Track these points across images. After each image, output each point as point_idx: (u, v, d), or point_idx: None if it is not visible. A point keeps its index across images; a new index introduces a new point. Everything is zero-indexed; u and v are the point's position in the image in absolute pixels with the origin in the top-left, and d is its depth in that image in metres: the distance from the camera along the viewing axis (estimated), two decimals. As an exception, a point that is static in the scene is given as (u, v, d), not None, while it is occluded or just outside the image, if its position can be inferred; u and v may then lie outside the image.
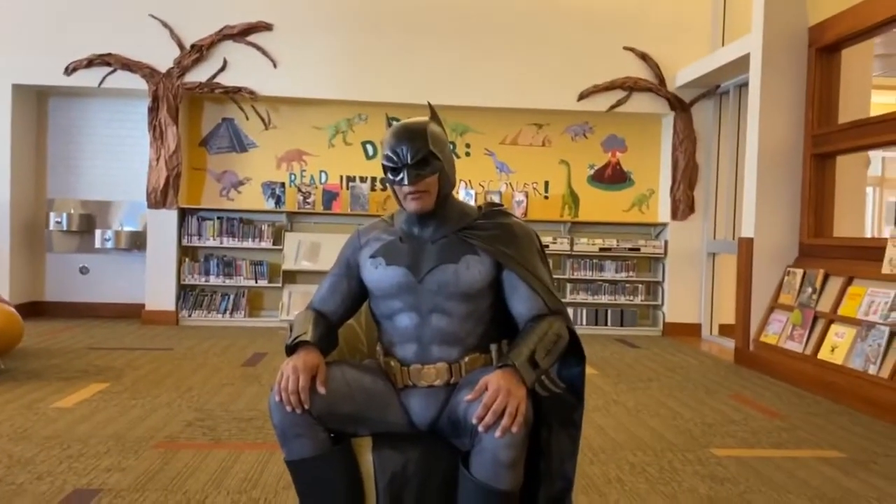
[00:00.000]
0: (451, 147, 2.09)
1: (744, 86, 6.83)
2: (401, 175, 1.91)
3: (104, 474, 2.90)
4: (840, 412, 4.35)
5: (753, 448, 3.54)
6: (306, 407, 1.80)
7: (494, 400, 1.68)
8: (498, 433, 1.66)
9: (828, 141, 5.49)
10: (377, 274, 2.00)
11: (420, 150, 1.90)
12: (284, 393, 1.79)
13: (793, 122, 5.76)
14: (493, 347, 2.00)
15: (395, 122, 2.02)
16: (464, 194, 7.49)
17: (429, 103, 2.16)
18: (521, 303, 1.94)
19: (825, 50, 5.60)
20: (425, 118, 2.00)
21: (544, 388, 1.94)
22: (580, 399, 1.95)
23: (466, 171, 7.64)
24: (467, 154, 7.69)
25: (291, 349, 1.91)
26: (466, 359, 1.96)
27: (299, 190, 7.43)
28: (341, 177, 7.64)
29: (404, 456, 1.89)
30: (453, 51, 7.26)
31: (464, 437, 1.80)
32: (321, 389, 1.82)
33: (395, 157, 1.92)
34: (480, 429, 1.68)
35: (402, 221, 2.06)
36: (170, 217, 7.19)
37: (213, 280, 7.33)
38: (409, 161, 1.90)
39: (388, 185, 1.99)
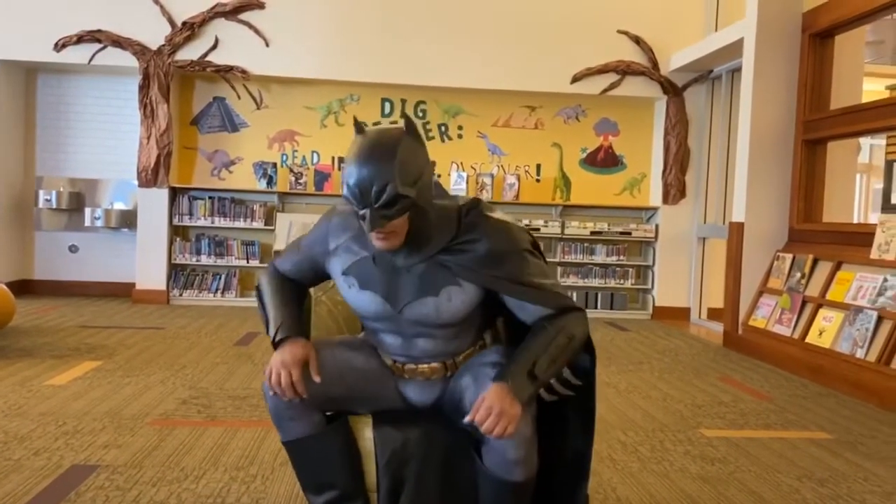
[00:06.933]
0: (432, 168, 1.89)
1: (737, 71, 6.85)
2: (363, 212, 1.65)
3: (101, 450, 2.91)
4: (827, 395, 4.41)
5: (742, 429, 3.59)
6: (304, 397, 1.80)
7: (486, 418, 1.63)
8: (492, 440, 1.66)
9: (819, 127, 5.53)
10: (351, 295, 1.87)
11: (386, 190, 1.61)
12: (277, 388, 1.77)
13: (785, 108, 5.78)
14: (488, 333, 1.98)
15: (365, 129, 1.72)
16: (455, 177, 7.48)
17: (406, 116, 1.82)
18: (527, 314, 1.82)
19: (818, 36, 5.62)
20: (398, 132, 1.70)
21: (551, 391, 1.86)
22: (591, 392, 1.92)
23: (459, 153, 7.64)
24: (459, 136, 7.67)
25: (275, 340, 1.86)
26: (461, 356, 1.93)
27: (291, 170, 7.40)
28: (333, 157, 7.61)
29: (404, 434, 1.90)
30: (447, 32, 7.21)
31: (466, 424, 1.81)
32: (316, 378, 1.80)
33: (358, 193, 1.63)
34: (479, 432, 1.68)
35: None
36: (161, 196, 7.15)
37: (204, 259, 7.32)
38: (373, 203, 1.62)
39: None
